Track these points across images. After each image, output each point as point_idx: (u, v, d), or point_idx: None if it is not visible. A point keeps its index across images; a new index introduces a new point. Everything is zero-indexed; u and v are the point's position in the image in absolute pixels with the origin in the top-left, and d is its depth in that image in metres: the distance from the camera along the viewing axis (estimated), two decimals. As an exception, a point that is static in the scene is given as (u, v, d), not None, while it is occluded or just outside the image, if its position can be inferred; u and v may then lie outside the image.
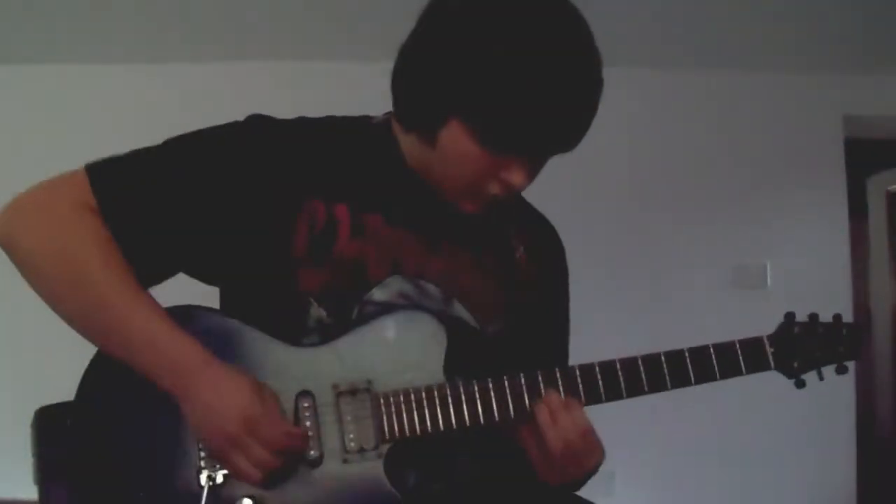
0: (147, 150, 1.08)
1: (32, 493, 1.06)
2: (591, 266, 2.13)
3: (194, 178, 1.06)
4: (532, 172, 1.06)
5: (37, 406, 1.08)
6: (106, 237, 1.02)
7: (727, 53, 3.29)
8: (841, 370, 1.13)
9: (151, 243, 1.05)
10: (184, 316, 1.04)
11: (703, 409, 3.00)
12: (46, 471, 1.06)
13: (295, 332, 1.06)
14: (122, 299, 1.01)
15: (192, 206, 1.05)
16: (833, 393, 2.85)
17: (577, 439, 1.03)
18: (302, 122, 1.15)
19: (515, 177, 1.04)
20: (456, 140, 1.01)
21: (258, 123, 1.12)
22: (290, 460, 1.01)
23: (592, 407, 1.07)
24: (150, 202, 1.04)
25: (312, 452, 1.02)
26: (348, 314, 1.08)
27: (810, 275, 3.32)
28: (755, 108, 3.45)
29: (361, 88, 2.34)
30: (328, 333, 1.06)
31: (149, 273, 1.05)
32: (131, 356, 1.00)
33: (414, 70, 1.04)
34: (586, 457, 1.06)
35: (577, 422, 1.04)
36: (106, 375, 1.03)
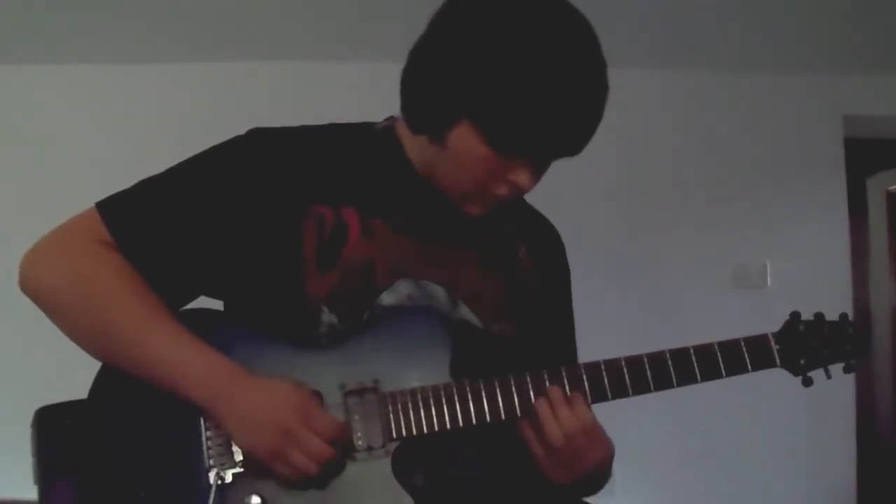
0: (152, 179, 1.10)
1: (32, 493, 1.05)
2: (590, 266, 2.13)
3: (202, 201, 1.07)
4: (538, 174, 1.08)
5: (37, 406, 1.08)
6: (124, 265, 1.04)
7: (727, 53, 3.29)
8: (849, 369, 1.12)
9: (169, 270, 1.06)
10: (189, 320, 1.04)
11: (703, 409, 3.00)
12: (46, 471, 1.06)
13: (307, 338, 1.07)
14: (144, 320, 1.02)
15: (203, 228, 1.07)
16: (833, 393, 2.85)
17: (578, 432, 1.04)
18: (304, 130, 1.16)
19: (522, 178, 1.06)
20: (466, 141, 1.03)
21: (258, 136, 1.13)
22: (342, 452, 1.01)
23: (593, 407, 1.07)
24: (163, 230, 1.06)
25: None
26: (359, 319, 1.08)
27: (810, 275, 3.32)
28: (755, 109, 3.45)
29: (363, 89, 2.34)
30: (338, 338, 1.07)
31: (170, 299, 1.06)
32: (159, 375, 1.01)
33: (425, 72, 1.05)
34: (590, 450, 1.06)
35: (580, 415, 1.04)
36: (114, 376, 1.04)
